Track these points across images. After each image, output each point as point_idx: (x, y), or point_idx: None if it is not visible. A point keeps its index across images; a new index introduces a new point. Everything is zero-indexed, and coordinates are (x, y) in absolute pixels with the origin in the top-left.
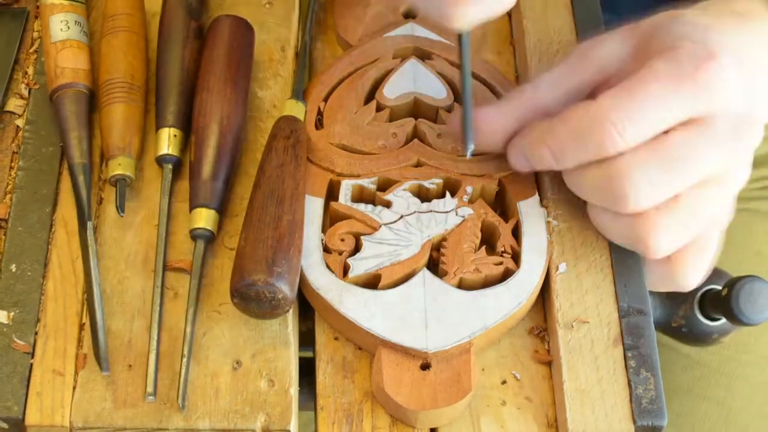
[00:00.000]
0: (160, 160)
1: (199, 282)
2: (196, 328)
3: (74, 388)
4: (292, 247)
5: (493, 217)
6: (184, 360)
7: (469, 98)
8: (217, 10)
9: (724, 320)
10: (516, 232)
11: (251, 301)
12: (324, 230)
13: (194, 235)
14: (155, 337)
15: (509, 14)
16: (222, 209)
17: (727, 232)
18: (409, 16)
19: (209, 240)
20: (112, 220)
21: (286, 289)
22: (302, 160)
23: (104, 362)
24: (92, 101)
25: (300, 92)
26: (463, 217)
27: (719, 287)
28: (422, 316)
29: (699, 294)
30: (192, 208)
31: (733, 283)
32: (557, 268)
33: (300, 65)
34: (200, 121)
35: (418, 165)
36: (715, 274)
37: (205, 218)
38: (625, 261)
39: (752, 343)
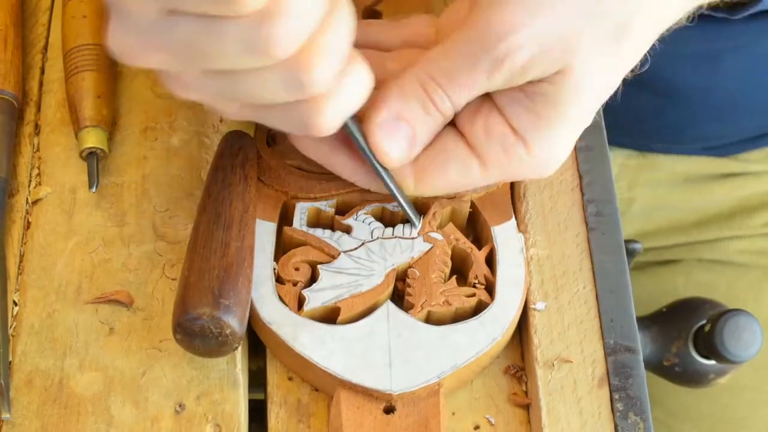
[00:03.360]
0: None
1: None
2: (132, 365)
3: None
4: (241, 276)
5: (465, 244)
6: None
7: (393, 185)
8: None
9: None
10: (490, 261)
11: (196, 336)
12: (276, 258)
13: None
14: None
15: None
16: None
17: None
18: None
19: None
20: (40, 247)
21: (235, 324)
22: (252, 180)
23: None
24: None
25: None
26: (431, 243)
27: None
28: (386, 353)
29: (694, 330)
30: None
31: (716, 318)
32: (535, 303)
33: None
34: None
35: None
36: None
37: None
38: (611, 293)
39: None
